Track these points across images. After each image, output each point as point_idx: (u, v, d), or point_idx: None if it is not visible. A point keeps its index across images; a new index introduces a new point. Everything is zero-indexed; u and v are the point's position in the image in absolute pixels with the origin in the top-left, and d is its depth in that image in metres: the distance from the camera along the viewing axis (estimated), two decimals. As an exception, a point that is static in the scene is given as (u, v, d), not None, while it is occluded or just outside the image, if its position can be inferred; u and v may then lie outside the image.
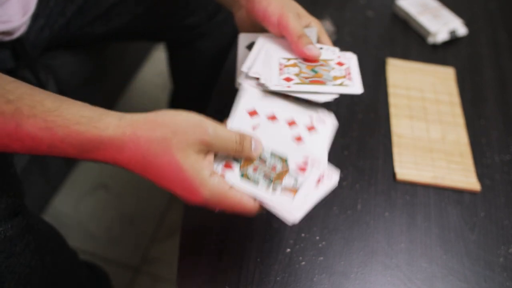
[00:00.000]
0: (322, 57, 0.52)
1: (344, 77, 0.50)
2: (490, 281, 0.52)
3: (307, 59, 0.52)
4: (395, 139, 0.65)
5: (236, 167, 0.43)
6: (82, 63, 0.83)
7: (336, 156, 0.62)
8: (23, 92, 0.39)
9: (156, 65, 1.40)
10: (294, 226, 0.55)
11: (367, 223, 0.56)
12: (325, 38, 0.56)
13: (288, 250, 0.53)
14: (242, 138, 0.42)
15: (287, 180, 0.43)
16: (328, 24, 0.82)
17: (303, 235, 0.54)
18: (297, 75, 0.50)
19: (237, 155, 0.43)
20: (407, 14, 0.84)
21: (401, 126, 0.67)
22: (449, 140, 0.65)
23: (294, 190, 0.43)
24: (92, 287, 0.79)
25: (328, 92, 0.48)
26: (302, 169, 0.44)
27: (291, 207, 0.41)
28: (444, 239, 0.55)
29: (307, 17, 0.55)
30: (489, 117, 0.70)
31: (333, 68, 0.51)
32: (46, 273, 0.57)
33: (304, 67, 0.51)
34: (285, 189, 0.43)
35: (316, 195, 0.43)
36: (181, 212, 0.56)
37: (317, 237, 0.54)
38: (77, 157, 0.40)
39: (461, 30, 0.82)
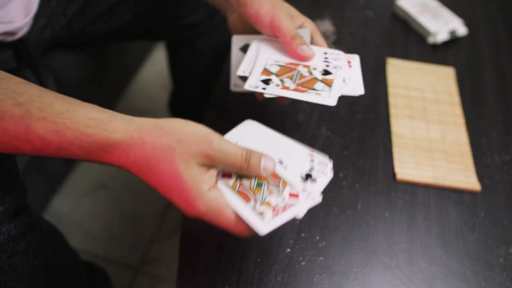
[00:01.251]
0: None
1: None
2: (490, 281, 0.52)
3: (302, 59, 0.52)
4: (395, 139, 0.65)
5: (233, 177, 0.43)
6: (82, 63, 0.83)
7: (336, 156, 0.62)
8: (32, 94, 0.40)
9: (156, 65, 1.40)
10: (294, 226, 0.55)
11: (367, 223, 0.56)
12: (319, 38, 0.56)
13: (288, 250, 0.53)
14: (249, 154, 0.41)
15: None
16: (328, 24, 0.82)
17: (303, 235, 0.54)
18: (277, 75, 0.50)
19: (242, 172, 0.42)
20: (407, 14, 0.84)
21: (401, 126, 0.67)
22: (449, 140, 0.65)
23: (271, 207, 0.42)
24: (92, 287, 0.79)
25: (306, 100, 0.48)
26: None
27: (263, 223, 0.40)
28: (444, 239, 0.55)
29: (300, 18, 0.55)
30: (489, 117, 0.70)
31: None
32: (48, 273, 0.57)
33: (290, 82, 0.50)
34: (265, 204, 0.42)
35: (284, 218, 0.41)
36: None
37: (317, 237, 0.54)
38: (84, 158, 0.40)
39: (461, 30, 0.82)
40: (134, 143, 0.39)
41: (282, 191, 0.43)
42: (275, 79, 0.50)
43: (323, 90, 0.49)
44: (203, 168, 0.40)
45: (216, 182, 0.42)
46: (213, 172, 0.41)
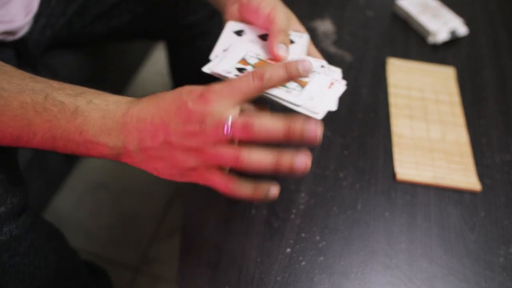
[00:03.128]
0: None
1: None
2: (490, 281, 0.52)
3: (273, 56, 0.49)
4: (395, 139, 0.65)
5: None
6: (82, 63, 0.83)
7: (336, 156, 0.62)
8: (48, 78, 0.42)
9: (156, 65, 1.40)
10: (294, 226, 0.55)
11: (367, 223, 0.56)
12: (314, 50, 0.54)
13: (288, 250, 0.53)
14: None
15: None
16: (328, 24, 0.82)
17: (303, 235, 0.54)
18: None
19: (260, 82, 0.41)
20: (407, 13, 0.84)
21: (401, 126, 0.67)
22: (449, 140, 0.65)
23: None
24: (92, 287, 0.79)
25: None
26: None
27: (314, 106, 0.44)
28: (444, 239, 0.55)
29: (300, 27, 0.54)
30: (489, 117, 0.70)
31: None
32: (49, 272, 0.57)
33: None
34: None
35: (332, 93, 0.47)
36: (181, 212, 0.56)
37: (317, 237, 0.54)
38: (97, 124, 0.40)
39: (461, 29, 0.81)
40: (144, 97, 0.42)
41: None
42: (250, 70, 0.46)
43: (294, 89, 0.45)
44: None
45: None
46: None
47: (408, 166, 0.61)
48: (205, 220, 0.55)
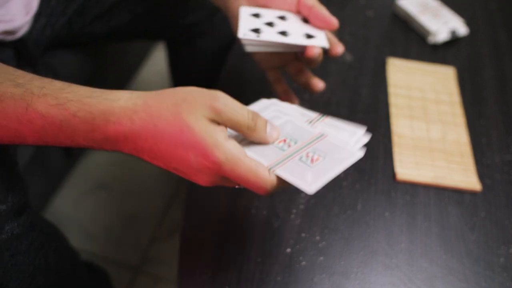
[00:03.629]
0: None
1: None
2: (490, 281, 0.52)
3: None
4: (395, 139, 0.65)
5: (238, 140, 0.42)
6: (82, 63, 0.83)
7: (336, 156, 0.62)
8: (32, 77, 0.40)
9: (156, 65, 1.40)
10: (294, 226, 0.55)
11: (367, 223, 0.56)
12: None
13: (288, 250, 0.53)
14: (256, 116, 0.40)
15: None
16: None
17: (303, 235, 0.54)
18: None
19: (248, 133, 0.40)
20: (407, 13, 0.84)
21: (401, 126, 0.67)
22: (449, 140, 0.65)
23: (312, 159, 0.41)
24: (92, 287, 0.79)
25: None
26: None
27: (309, 177, 0.39)
28: (444, 239, 0.55)
29: None
30: (489, 117, 0.70)
31: None
32: (49, 272, 0.57)
33: None
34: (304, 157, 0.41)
35: (337, 169, 0.40)
36: (181, 212, 0.56)
37: (317, 237, 0.54)
38: (88, 137, 0.38)
39: (462, 29, 0.81)
40: (139, 108, 0.37)
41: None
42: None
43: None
44: (213, 123, 0.38)
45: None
46: (223, 127, 0.38)
47: (408, 166, 0.61)
48: (205, 220, 0.55)
